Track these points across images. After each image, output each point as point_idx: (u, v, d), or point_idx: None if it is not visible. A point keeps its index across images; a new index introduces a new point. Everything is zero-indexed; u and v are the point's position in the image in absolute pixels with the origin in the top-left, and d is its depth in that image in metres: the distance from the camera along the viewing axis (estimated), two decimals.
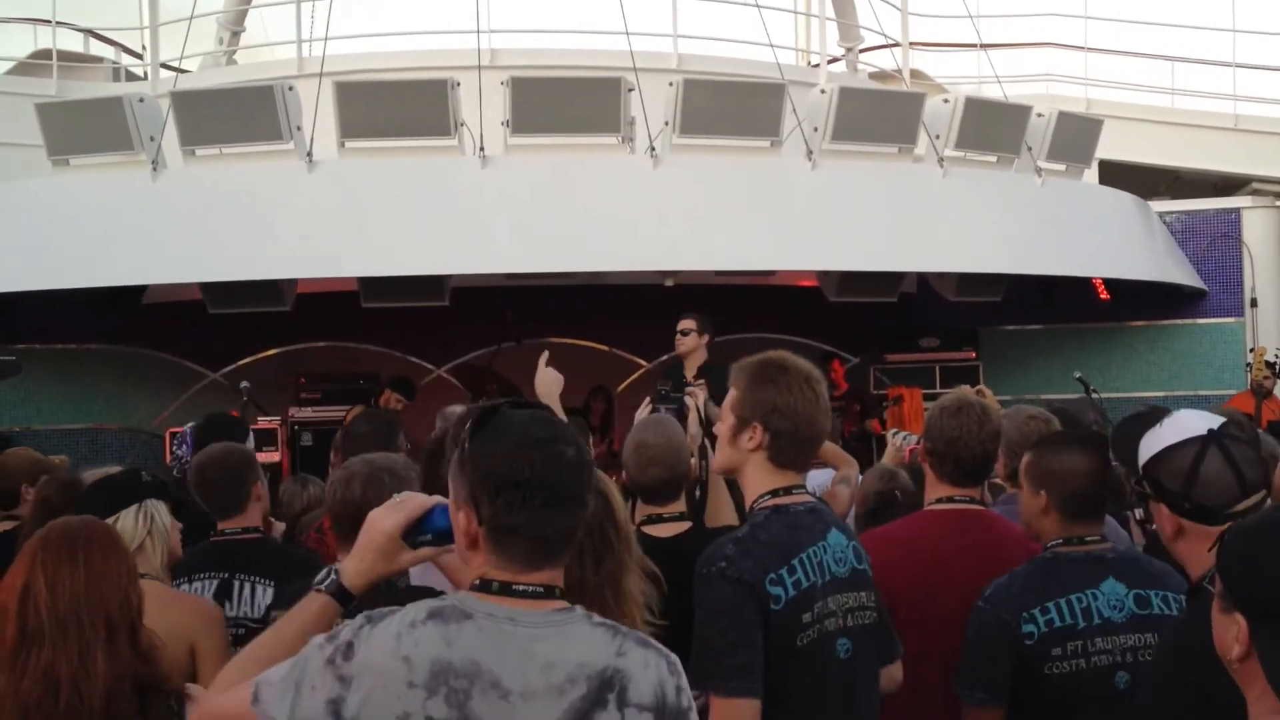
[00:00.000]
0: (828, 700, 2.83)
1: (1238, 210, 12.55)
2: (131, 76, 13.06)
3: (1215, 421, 2.54)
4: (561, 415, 4.22)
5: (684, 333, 7.58)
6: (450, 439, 2.52)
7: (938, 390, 10.18)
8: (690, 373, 7.23)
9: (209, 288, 9.34)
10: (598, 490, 2.56)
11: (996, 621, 3.10)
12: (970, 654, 3.16)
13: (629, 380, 11.64)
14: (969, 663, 3.16)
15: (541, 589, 2.00)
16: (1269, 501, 2.53)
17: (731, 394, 2.96)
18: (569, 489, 2.01)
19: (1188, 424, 2.55)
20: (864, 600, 2.94)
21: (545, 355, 4.42)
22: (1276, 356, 10.54)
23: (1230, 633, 1.84)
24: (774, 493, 2.89)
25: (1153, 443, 2.56)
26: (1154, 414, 2.66)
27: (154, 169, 8.90)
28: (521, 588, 1.99)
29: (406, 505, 2.19)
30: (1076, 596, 3.02)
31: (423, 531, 2.17)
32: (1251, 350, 10.92)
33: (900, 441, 5.73)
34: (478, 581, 2.00)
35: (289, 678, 1.94)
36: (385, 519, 2.17)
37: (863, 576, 2.96)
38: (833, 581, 2.85)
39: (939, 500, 3.58)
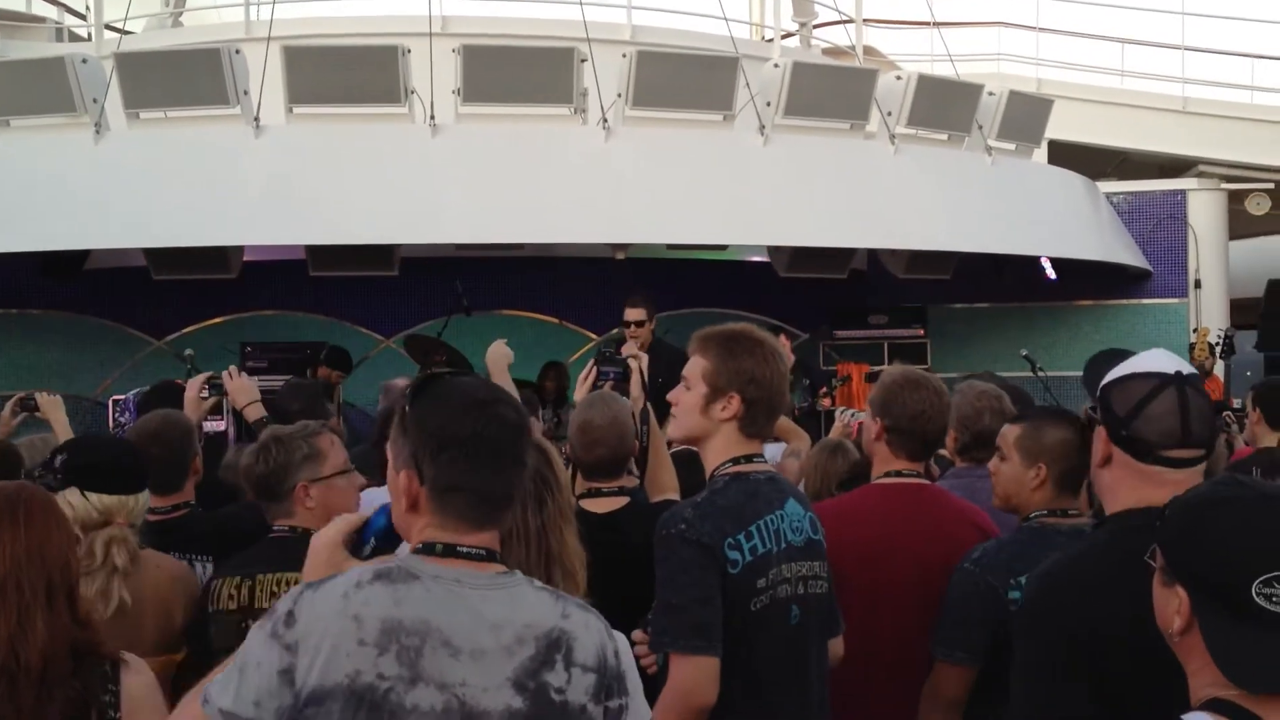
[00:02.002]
0: (778, 665, 2.87)
1: (1184, 192, 12.70)
2: (75, 37, 12.85)
3: (1187, 369, 2.48)
4: (511, 388, 4.26)
5: (637, 324, 7.39)
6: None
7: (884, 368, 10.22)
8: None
9: (153, 254, 9.20)
10: (536, 444, 2.59)
11: (984, 585, 3.12)
12: (952, 615, 3.17)
13: (579, 353, 11.61)
14: (949, 623, 3.17)
15: (484, 551, 2.04)
16: (1202, 467, 2.51)
17: (702, 364, 2.96)
18: (510, 448, 2.06)
19: (1160, 362, 2.50)
20: (817, 570, 2.98)
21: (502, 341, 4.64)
22: (1219, 338, 10.68)
23: (1171, 606, 1.85)
24: (735, 460, 2.92)
25: (1121, 368, 2.52)
26: (1129, 353, 2.64)
27: (97, 131, 8.74)
28: (465, 549, 2.02)
29: (346, 517, 2.22)
30: (1027, 577, 3.03)
31: (365, 538, 2.19)
32: (1195, 331, 11.06)
33: (849, 418, 5.75)
34: (420, 545, 2.02)
35: (232, 668, 1.94)
36: (325, 532, 2.18)
37: (817, 547, 2.99)
38: (788, 549, 2.89)
39: (887, 474, 3.59)
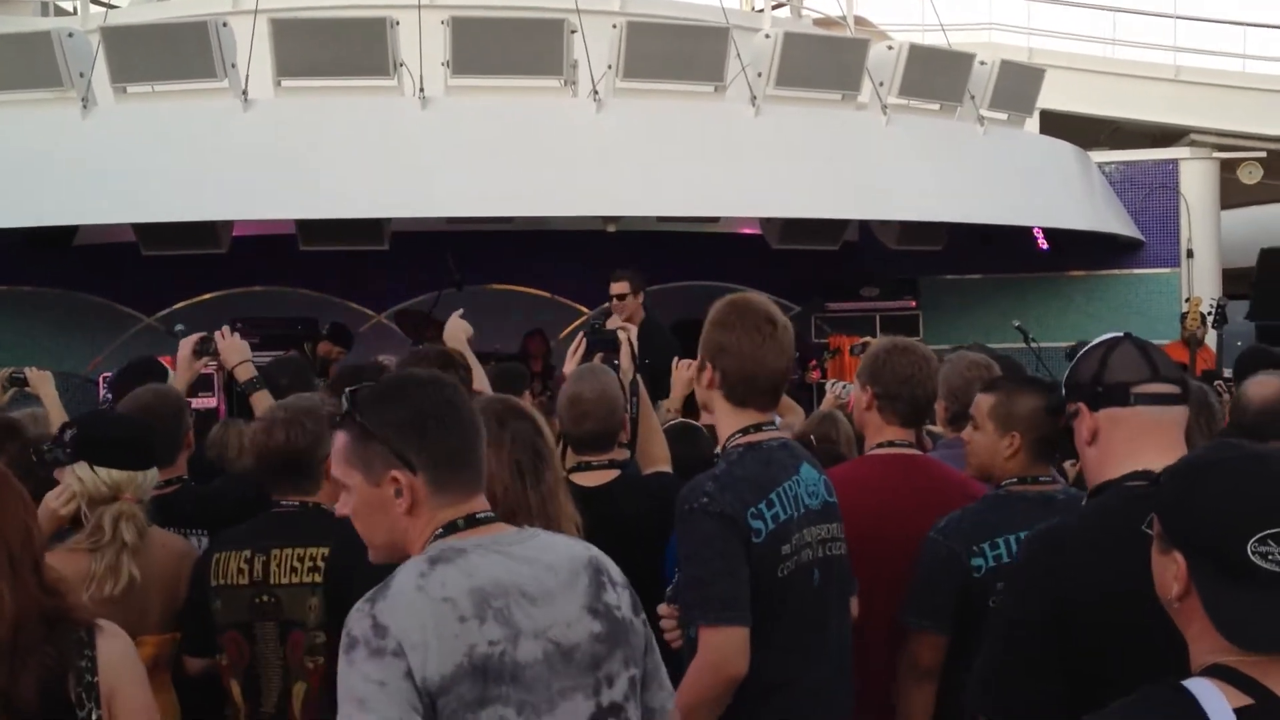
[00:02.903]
0: (804, 629, 2.89)
1: (1175, 161, 12.67)
2: (60, 11, 12.76)
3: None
4: (473, 360, 4.30)
5: (619, 297, 7.33)
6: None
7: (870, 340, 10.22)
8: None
9: (142, 229, 9.16)
10: (524, 413, 2.69)
11: (946, 552, 3.15)
12: (917, 583, 3.21)
13: (570, 327, 11.59)
14: (915, 591, 3.21)
15: (493, 514, 2.15)
16: (1184, 409, 2.52)
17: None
18: (469, 408, 2.17)
19: (1105, 335, 2.58)
20: (834, 532, 3.02)
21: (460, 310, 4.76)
22: (1211, 308, 10.68)
23: (1169, 572, 1.86)
24: (744, 430, 2.95)
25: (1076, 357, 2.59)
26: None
27: (84, 106, 8.68)
28: (484, 515, 2.13)
29: None
30: (1026, 534, 3.03)
31: None
32: (1187, 300, 11.06)
33: (840, 391, 5.76)
34: (440, 530, 2.07)
35: (354, 706, 1.90)
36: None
37: (833, 509, 3.03)
38: (806, 514, 2.91)
39: (880, 445, 3.59)
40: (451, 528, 2.07)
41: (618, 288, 7.40)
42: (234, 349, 4.75)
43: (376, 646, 1.90)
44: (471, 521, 2.09)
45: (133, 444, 3.34)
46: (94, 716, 2.29)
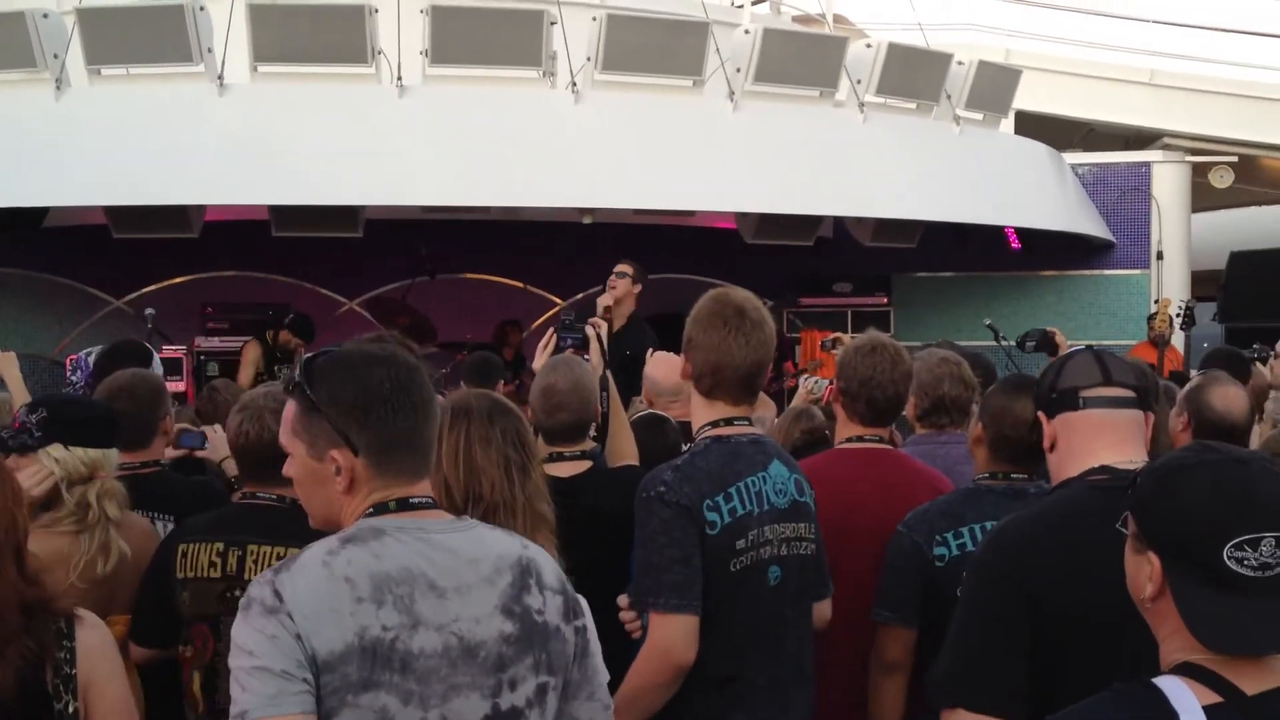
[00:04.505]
0: (757, 626, 2.90)
1: (1148, 164, 12.77)
2: None
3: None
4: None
5: (620, 275, 7.27)
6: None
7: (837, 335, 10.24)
8: (618, 321, 7.09)
9: (114, 212, 9.09)
10: (511, 410, 2.66)
11: (910, 545, 3.18)
12: (885, 577, 3.23)
13: (543, 318, 11.58)
14: (882, 585, 3.23)
15: (431, 500, 2.10)
16: (1147, 411, 2.57)
17: None
18: (425, 391, 2.10)
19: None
20: (802, 531, 3.01)
21: None
22: (1179, 309, 10.76)
23: (1144, 572, 1.86)
24: (714, 423, 2.96)
25: None
26: None
27: (58, 88, 8.61)
28: (417, 500, 2.06)
29: None
30: (992, 524, 3.05)
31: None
32: (1156, 301, 11.14)
33: (812, 385, 5.77)
34: (371, 508, 2.04)
35: (247, 674, 1.87)
36: None
37: (803, 509, 3.02)
38: (771, 511, 2.92)
39: (849, 440, 3.61)
40: (382, 508, 2.03)
41: (622, 267, 7.38)
42: (224, 445, 4.63)
43: (271, 606, 1.89)
44: (404, 505, 2.04)
45: (101, 423, 3.32)
46: (70, 709, 2.28)
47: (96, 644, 2.36)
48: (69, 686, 2.28)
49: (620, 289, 7.23)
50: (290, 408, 2.11)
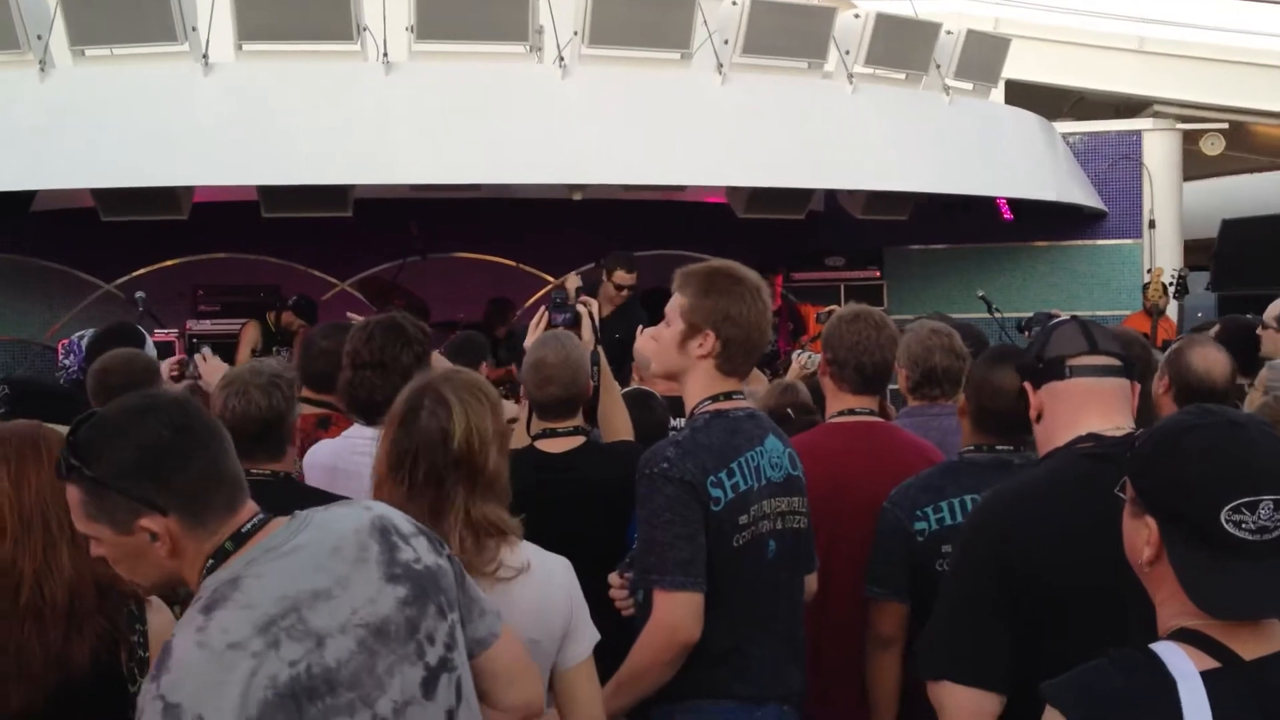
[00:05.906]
0: (756, 600, 2.89)
1: (1139, 132, 12.73)
2: None
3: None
4: None
5: (630, 288, 7.73)
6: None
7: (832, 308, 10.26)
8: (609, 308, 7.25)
9: (102, 194, 9.04)
10: (487, 399, 2.54)
11: (893, 519, 3.18)
12: (873, 551, 3.23)
13: (535, 296, 11.55)
14: (871, 559, 3.23)
15: (260, 518, 2.01)
16: (1131, 382, 2.57)
17: (680, 300, 2.97)
18: (201, 416, 2.01)
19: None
20: (796, 505, 3.01)
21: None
22: (1172, 278, 10.76)
23: (1141, 536, 1.85)
24: (714, 398, 2.93)
25: None
26: None
27: (42, 69, 8.54)
28: (249, 526, 1.99)
29: None
30: (972, 497, 3.05)
31: None
32: (1149, 271, 11.13)
33: (806, 360, 5.76)
34: (209, 563, 1.96)
35: None
36: None
37: (796, 482, 3.02)
38: (768, 485, 2.91)
39: (841, 413, 3.60)
40: (221, 554, 1.94)
41: (627, 279, 7.81)
42: (216, 372, 4.67)
43: (172, 717, 1.78)
44: (239, 539, 1.95)
45: (68, 397, 3.30)
46: None
47: (165, 626, 2.33)
48: (145, 670, 2.26)
49: (625, 297, 7.43)
50: (74, 495, 1.95)
